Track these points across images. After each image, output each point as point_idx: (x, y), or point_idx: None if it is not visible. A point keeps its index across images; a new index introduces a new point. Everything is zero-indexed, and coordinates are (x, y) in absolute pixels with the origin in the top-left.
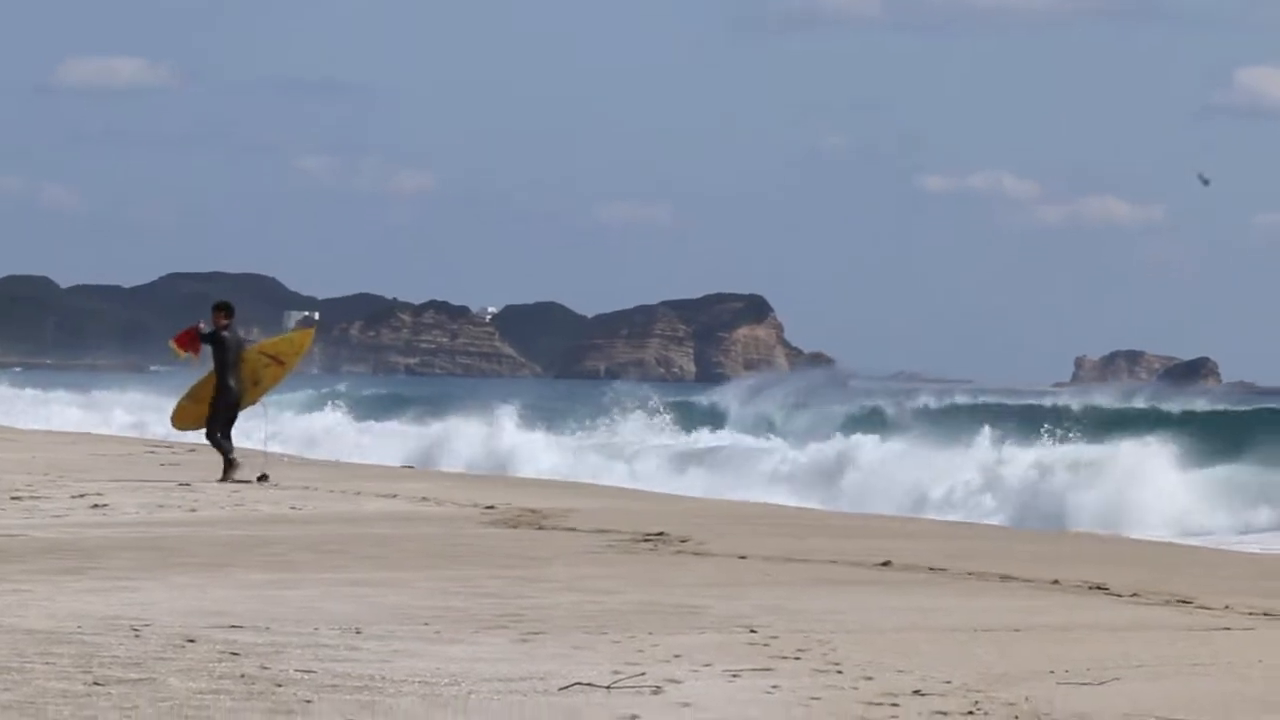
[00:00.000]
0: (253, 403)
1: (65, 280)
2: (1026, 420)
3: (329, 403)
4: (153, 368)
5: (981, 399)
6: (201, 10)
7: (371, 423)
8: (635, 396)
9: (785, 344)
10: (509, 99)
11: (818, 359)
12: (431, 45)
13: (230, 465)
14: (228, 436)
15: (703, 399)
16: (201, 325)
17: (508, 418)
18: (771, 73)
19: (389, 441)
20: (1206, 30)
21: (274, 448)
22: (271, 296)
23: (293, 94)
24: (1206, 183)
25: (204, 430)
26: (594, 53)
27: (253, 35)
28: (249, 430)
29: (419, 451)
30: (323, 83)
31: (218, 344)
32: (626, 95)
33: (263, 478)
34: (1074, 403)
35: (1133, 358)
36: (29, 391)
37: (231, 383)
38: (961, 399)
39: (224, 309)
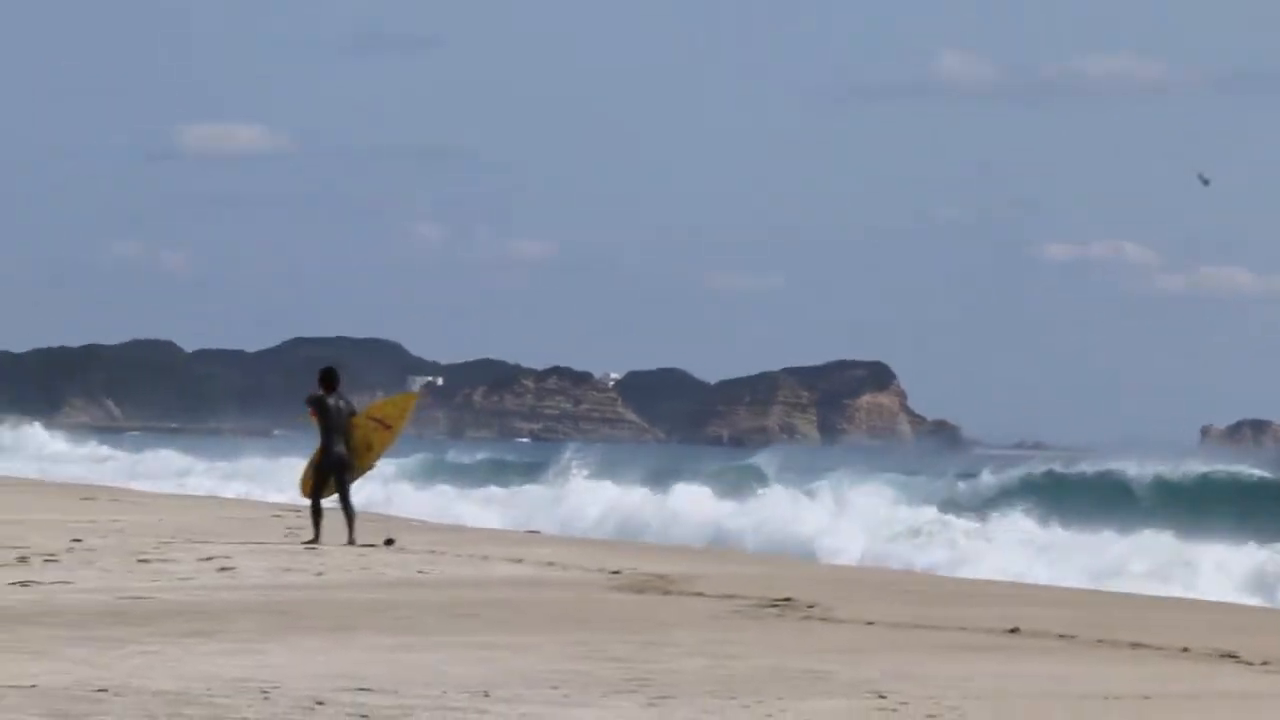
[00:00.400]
0: (367, 468)
1: (189, 345)
2: None
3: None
4: (276, 432)
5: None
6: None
7: (492, 488)
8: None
9: (908, 411)
10: (627, 166)
11: (941, 426)
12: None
13: (314, 536)
14: (346, 500)
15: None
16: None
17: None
18: (885, 140)
19: (498, 509)
20: None
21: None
22: (395, 361)
23: (412, 158)
24: (1206, 182)
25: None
26: (710, 122)
27: (370, 100)
28: (369, 494)
29: (531, 516)
30: (441, 147)
31: (320, 409)
32: (744, 163)
33: (389, 541)
34: None
35: (1259, 427)
36: (153, 454)
37: (334, 447)
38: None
39: (322, 376)
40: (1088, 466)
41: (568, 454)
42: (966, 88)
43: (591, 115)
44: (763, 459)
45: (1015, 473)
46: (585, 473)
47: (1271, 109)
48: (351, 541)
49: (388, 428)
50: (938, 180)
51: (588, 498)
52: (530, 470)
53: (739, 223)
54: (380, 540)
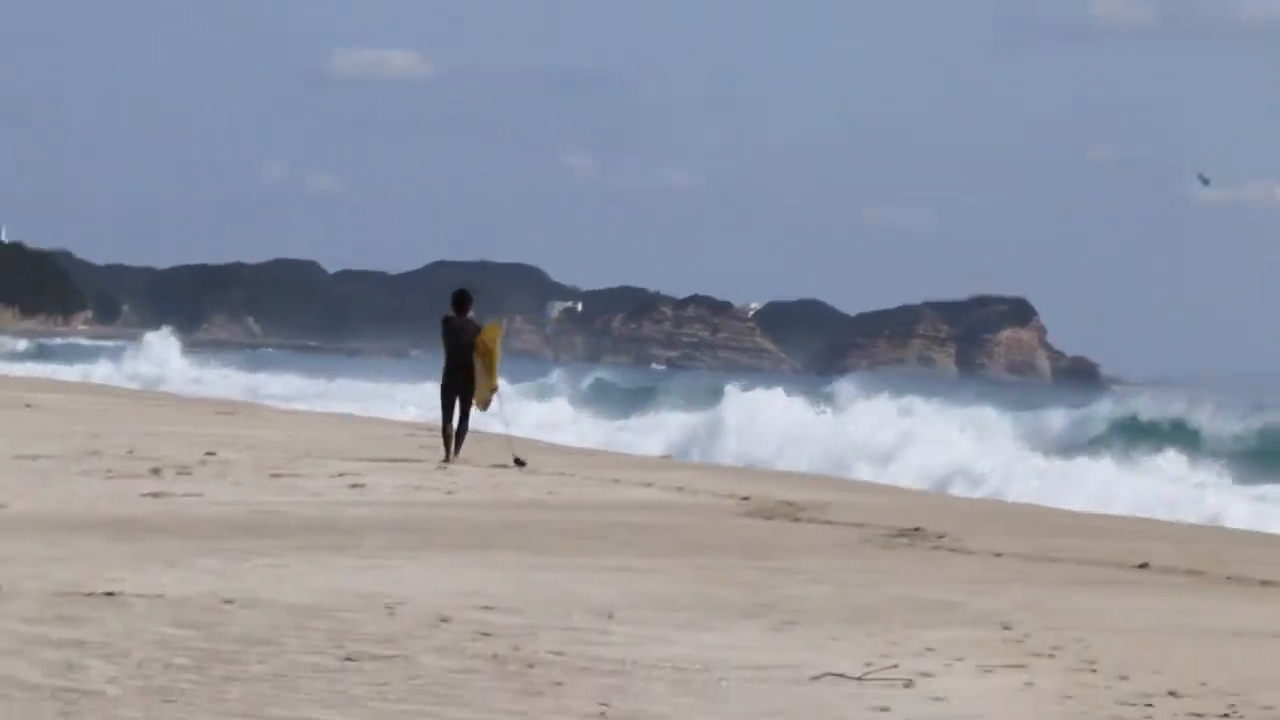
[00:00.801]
0: (490, 393)
1: (332, 265)
2: None
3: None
4: (414, 352)
5: None
6: (474, 4)
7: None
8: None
9: (1048, 347)
10: (775, 101)
11: (1079, 363)
12: (703, 44)
13: (445, 455)
14: (463, 419)
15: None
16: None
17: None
18: (1039, 79)
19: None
20: None
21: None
22: (535, 286)
23: (562, 87)
24: (1206, 182)
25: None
26: (860, 59)
27: (523, 28)
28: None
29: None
30: (593, 76)
31: (445, 329)
32: (892, 100)
33: (520, 462)
34: None
35: None
36: (291, 375)
37: (454, 367)
38: None
39: (454, 297)
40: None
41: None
42: (1125, 27)
43: (742, 48)
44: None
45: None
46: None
47: None
48: (447, 459)
49: (483, 359)
50: (1089, 120)
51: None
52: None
53: (887, 157)
54: (511, 460)
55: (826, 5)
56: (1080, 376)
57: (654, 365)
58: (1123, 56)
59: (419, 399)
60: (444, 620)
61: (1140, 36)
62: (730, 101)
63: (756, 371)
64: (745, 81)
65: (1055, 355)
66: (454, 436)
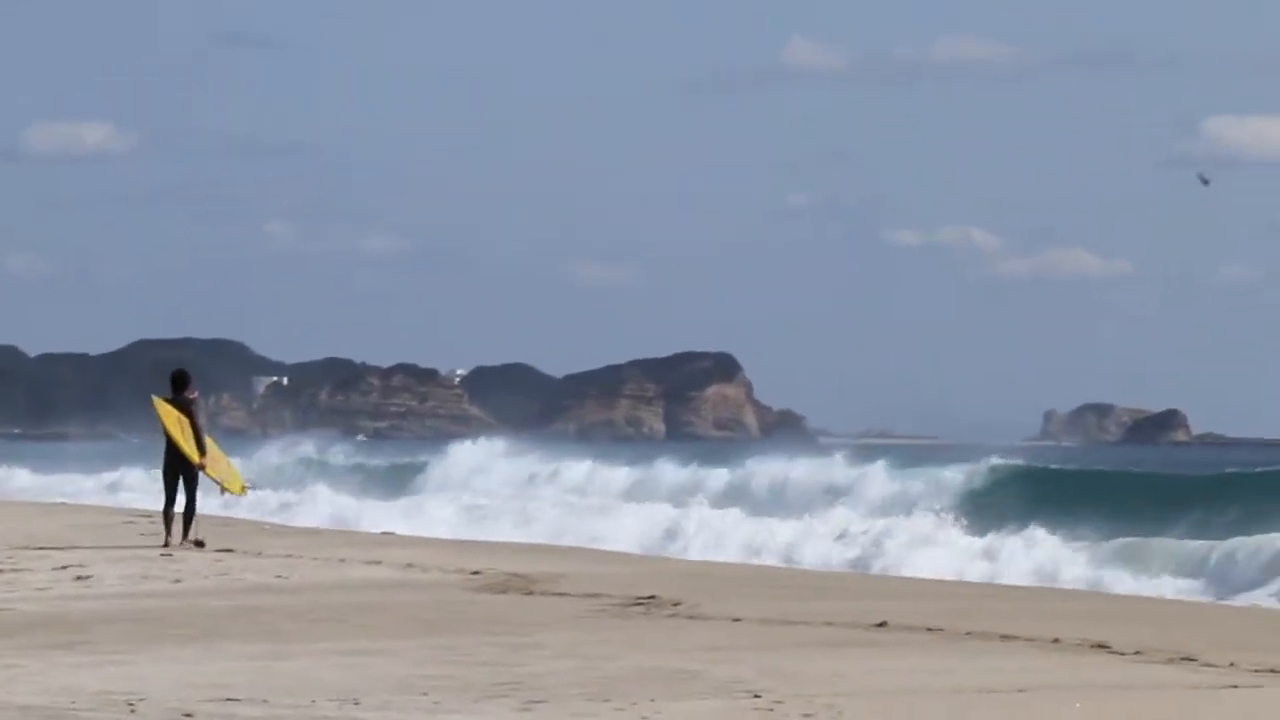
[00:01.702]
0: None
1: (33, 349)
2: None
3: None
4: (121, 435)
5: None
6: (168, 75)
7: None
8: None
9: (755, 402)
10: (470, 159)
11: (786, 416)
12: (399, 110)
13: (165, 540)
14: (170, 502)
15: None
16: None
17: None
18: (735, 129)
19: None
20: (1172, 79)
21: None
22: (240, 362)
23: (258, 157)
24: (1206, 182)
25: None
26: (558, 113)
27: (218, 99)
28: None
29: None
30: (288, 145)
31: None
32: (590, 155)
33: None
34: None
35: (1102, 410)
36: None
37: (172, 446)
38: None
39: (172, 378)
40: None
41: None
42: (818, 74)
43: (439, 111)
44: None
45: None
46: None
47: (1120, 86)
48: (167, 544)
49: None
50: (789, 168)
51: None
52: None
53: (588, 217)
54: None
55: (523, 60)
56: (788, 429)
57: (359, 437)
58: (817, 102)
59: (130, 483)
60: (187, 716)
61: (833, 81)
62: (429, 165)
63: (465, 438)
64: (443, 145)
65: (762, 410)
66: (180, 518)
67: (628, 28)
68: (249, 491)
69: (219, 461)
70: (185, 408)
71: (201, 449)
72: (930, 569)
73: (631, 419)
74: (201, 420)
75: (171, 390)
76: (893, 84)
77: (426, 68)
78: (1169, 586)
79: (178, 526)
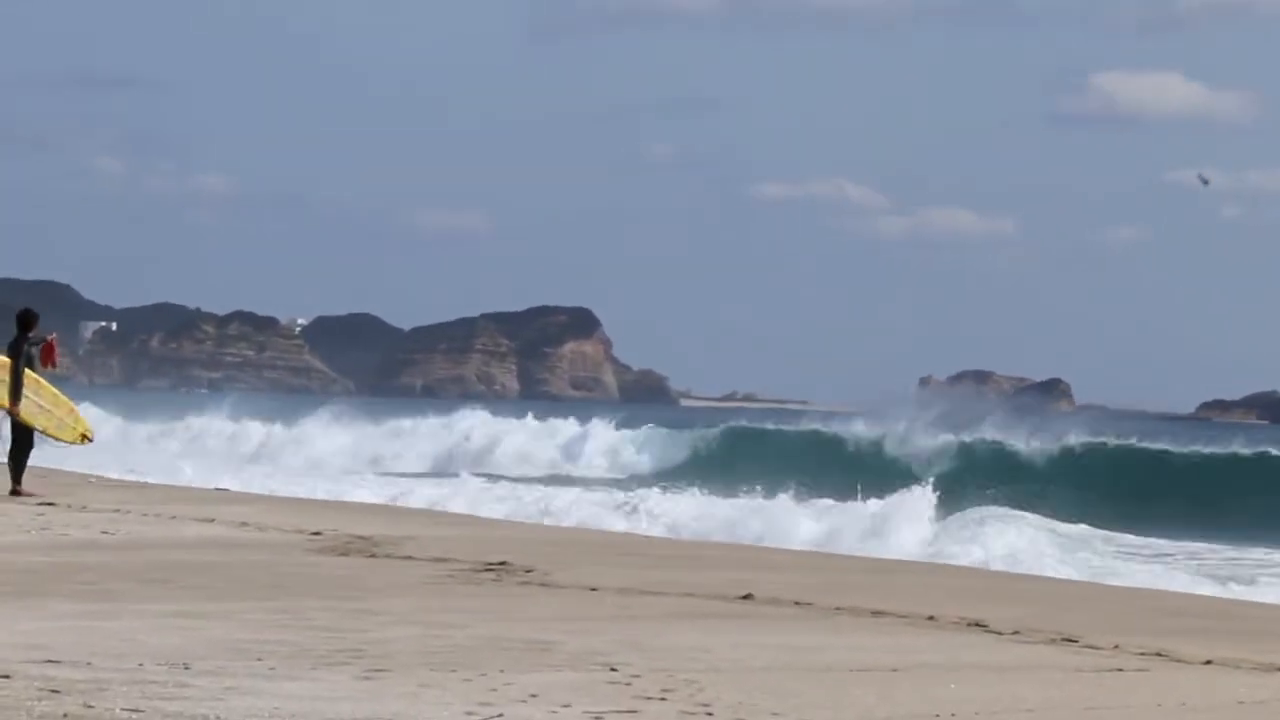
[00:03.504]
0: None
1: None
2: None
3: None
4: None
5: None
6: None
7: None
8: None
9: (614, 361)
10: (318, 99)
11: (647, 377)
12: (233, 40)
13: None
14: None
15: None
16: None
17: None
18: (594, 74)
19: None
20: (1058, 31)
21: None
22: (67, 305)
23: (83, 90)
24: (1206, 182)
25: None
26: (404, 51)
27: (42, 28)
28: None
29: None
30: (118, 78)
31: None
32: (439, 97)
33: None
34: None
35: (981, 378)
36: None
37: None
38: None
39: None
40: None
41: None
42: (682, 17)
43: (276, 44)
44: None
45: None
46: None
47: (1004, 38)
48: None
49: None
50: (651, 115)
51: None
52: None
53: (438, 162)
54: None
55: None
56: (649, 391)
57: (199, 389)
58: (681, 46)
59: None
60: (4, 677)
61: (699, 25)
62: (269, 101)
63: (305, 392)
64: (284, 79)
65: (622, 369)
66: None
67: None
68: (88, 442)
69: (56, 407)
70: (16, 351)
71: (15, 395)
72: None
73: (483, 375)
74: (28, 365)
75: (18, 330)
76: (763, 29)
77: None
78: None
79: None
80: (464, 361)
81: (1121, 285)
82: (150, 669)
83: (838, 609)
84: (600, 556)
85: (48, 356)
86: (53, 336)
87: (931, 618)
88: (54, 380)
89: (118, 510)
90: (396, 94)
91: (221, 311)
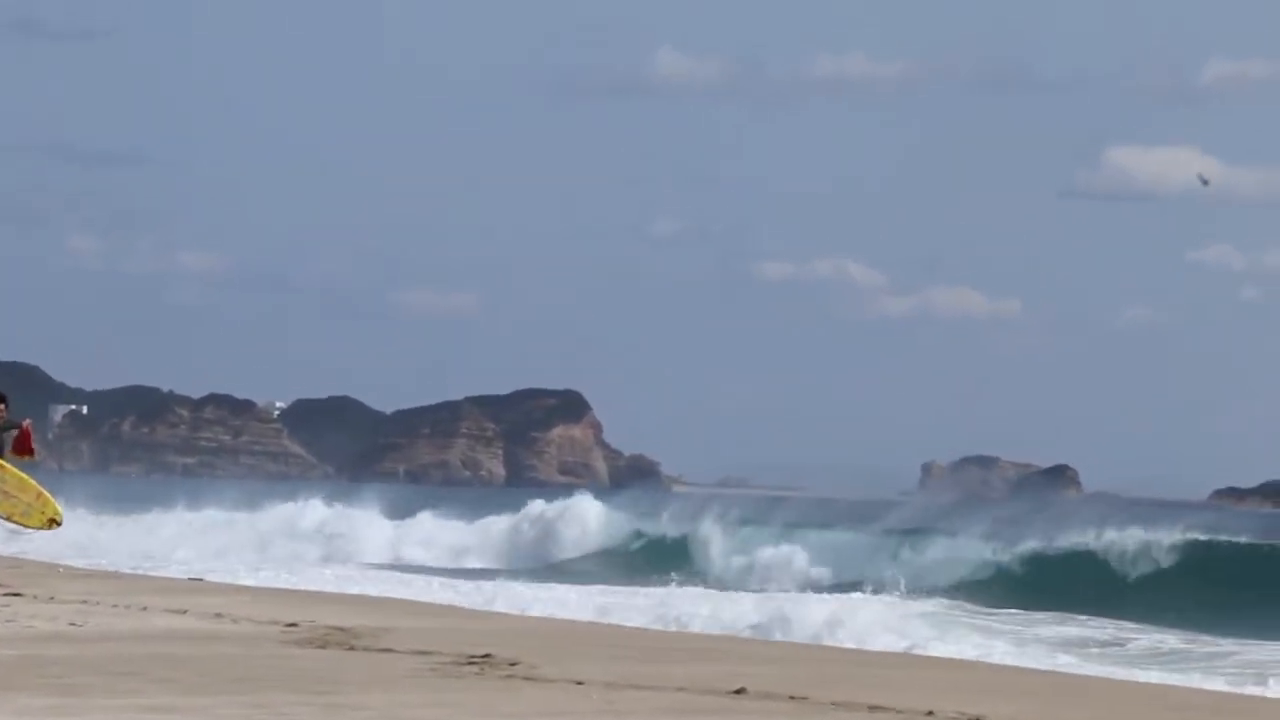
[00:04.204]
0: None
1: None
2: None
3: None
4: None
5: None
6: None
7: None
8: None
9: (604, 445)
10: (303, 173)
11: (639, 462)
12: (214, 116)
13: None
14: None
15: None
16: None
17: None
18: (589, 147)
19: None
20: (1072, 104)
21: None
22: (36, 387)
23: (58, 164)
24: (1206, 183)
25: None
26: (392, 126)
27: (15, 99)
28: None
29: None
30: (94, 153)
31: None
32: (428, 170)
33: None
34: None
35: (986, 464)
36: None
37: None
38: None
39: None
40: None
41: None
42: (685, 89)
43: (258, 120)
44: None
45: None
46: None
47: (1014, 111)
48: None
49: None
50: (649, 190)
51: None
52: None
53: (424, 239)
54: None
55: (354, 70)
56: (640, 476)
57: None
58: (682, 119)
59: None
60: None
61: (701, 98)
62: (247, 178)
63: (284, 479)
64: (264, 157)
65: (613, 454)
66: None
67: (473, 35)
68: (56, 526)
69: (22, 492)
70: None
71: None
72: None
73: (469, 460)
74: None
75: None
76: (766, 102)
77: (248, 70)
78: None
79: None
80: (448, 446)
81: (1131, 367)
82: None
83: (834, 704)
84: (587, 648)
85: (23, 445)
86: (26, 423)
87: (930, 713)
88: (18, 464)
89: (86, 601)
90: (380, 169)
91: (196, 395)
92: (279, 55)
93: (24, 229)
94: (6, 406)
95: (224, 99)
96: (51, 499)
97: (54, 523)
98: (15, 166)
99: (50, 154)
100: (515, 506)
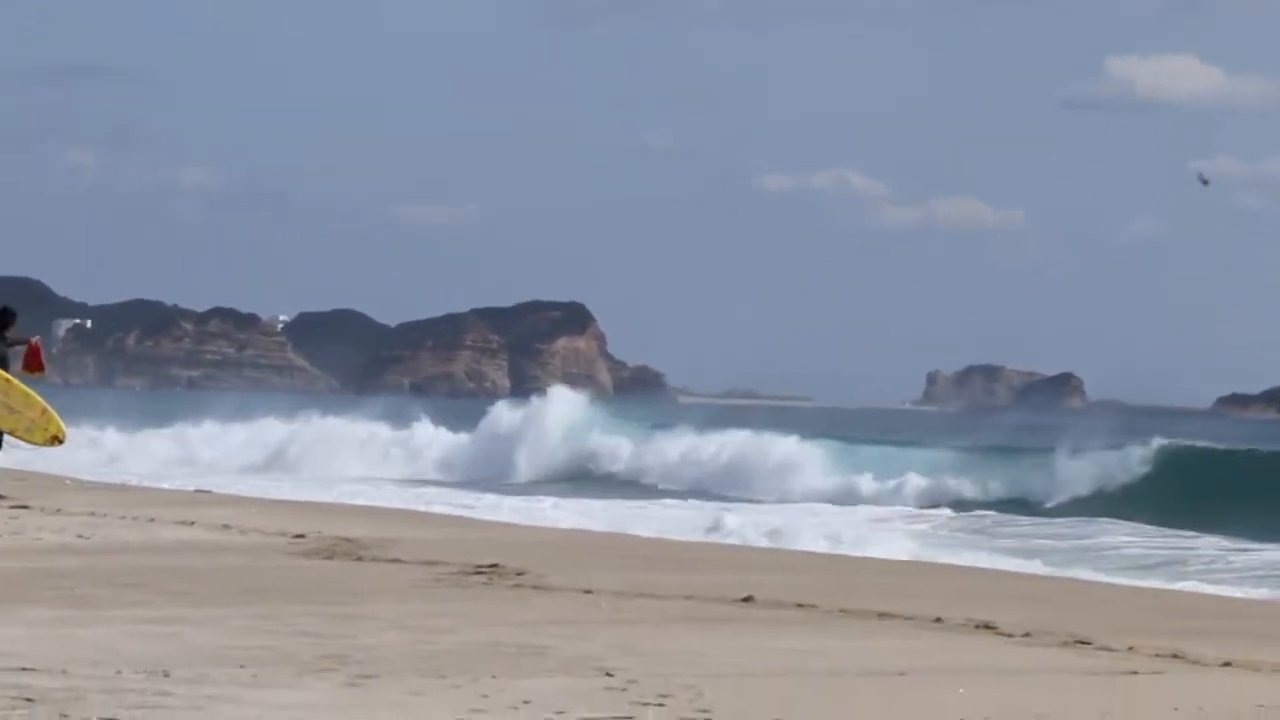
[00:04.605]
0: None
1: None
2: None
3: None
4: None
5: None
6: None
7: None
8: None
9: (608, 357)
10: (303, 88)
11: (643, 373)
12: (215, 31)
13: None
14: None
15: None
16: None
17: None
18: (592, 62)
19: None
20: (1072, 14)
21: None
22: (39, 302)
23: (60, 80)
24: (1206, 183)
25: None
26: (396, 39)
27: (17, 17)
28: None
29: None
30: (95, 69)
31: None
32: (431, 86)
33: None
34: None
35: (990, 373)
36: None
37: None
38: None
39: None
40: None
41: None
42: (685, 5)
43: (259, 32)
44: None
45: None
46: None
47: (1016, 21)
48: None
49: None
50: (651, 105)
51: None
52: None
53: (428, 154)
54: None
55: None
56: (645, 388)
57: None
58: (683, 35)
59: None
60: None
61: (702, 14)
62: (251, 92)
63: (289, 391)
64: (264, 72)
65: (617, 365)
66: None
67: None
68: (59, 444)
69: (27, 408)
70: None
71: None
72: None
73: (473, 372)
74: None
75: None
76: (766, 18)
77: None
78: None
79: None
80: (453, 358)
81: (1136, 276)
82: (128, 677)
83: (842, 611)
84: (595, 558)
85: (34, 362)
86: (36, 339)
87: (939, 619)
88: (27, 380)
89: (93, 513)
90: (383, 86)
91: (200, 308)
92: None
93: (22, 146)
94: (15, 322)
95: (221, 13)
96: (56, 415)
97: (57, 440)
98: (7, 85)
99: (44, 71)
100: None
